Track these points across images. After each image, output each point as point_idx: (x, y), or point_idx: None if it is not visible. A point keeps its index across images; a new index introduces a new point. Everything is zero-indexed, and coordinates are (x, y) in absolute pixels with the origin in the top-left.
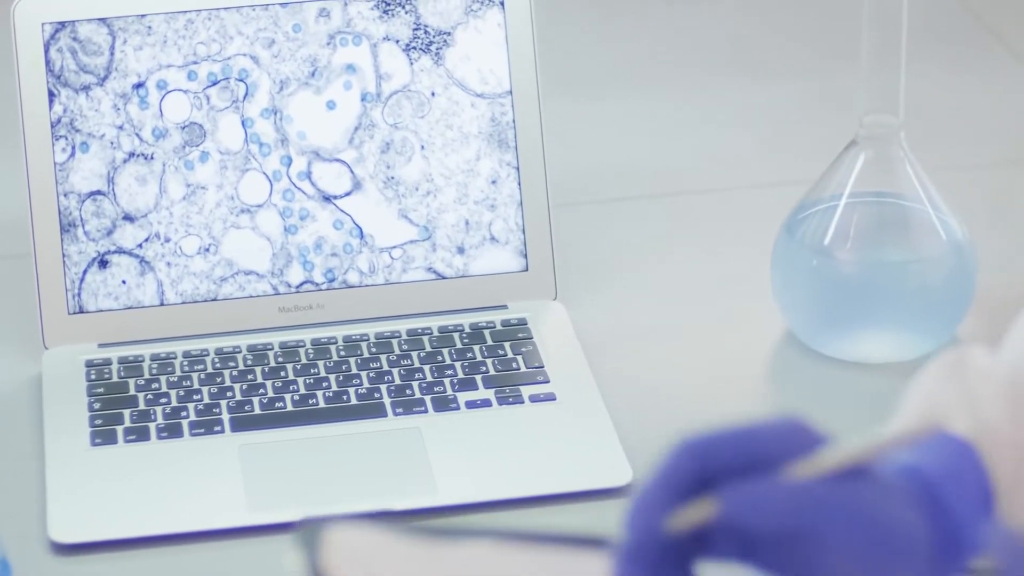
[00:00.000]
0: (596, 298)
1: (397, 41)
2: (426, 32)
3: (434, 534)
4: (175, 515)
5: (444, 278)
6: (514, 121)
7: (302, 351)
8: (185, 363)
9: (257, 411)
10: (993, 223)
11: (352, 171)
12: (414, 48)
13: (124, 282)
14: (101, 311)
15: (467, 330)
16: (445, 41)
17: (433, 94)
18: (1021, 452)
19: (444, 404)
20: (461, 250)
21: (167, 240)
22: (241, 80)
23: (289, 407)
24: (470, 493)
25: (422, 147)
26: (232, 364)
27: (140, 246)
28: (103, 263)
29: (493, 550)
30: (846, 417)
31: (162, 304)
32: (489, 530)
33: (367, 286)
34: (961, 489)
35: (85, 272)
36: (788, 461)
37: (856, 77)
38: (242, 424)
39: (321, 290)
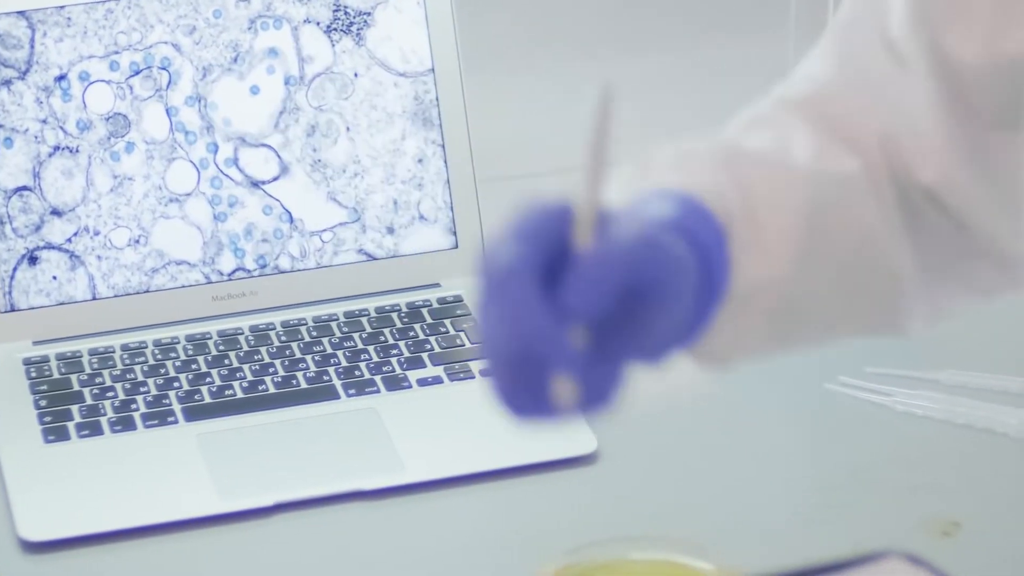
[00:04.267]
0: None
1: (318, 23)
2: (346, 13)
3: None
4: (145, 507)
5: (375, 259)
6: (437, 99)
7: (241, 338)
8: (125, 356)
9: (208, 400)
10: None
11: (279, 156)
12: (335, 29)
13: (55, 278)
14: (33, 308)
15: (404, 309)
16: (365, 21)
17: (356, 75)
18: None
19: (396, 383)
20: (391, 230)
21: (96, 233)
22: (164, 68)
23: (240, 394)
24: (439, 469)
25: (347, 129)
26: (173, 355)
27: (69, 240)
28: (33, 259)
29: None
30: (776, 376)
31: (95, 298)
32: None
33: (299, 271)
34: (705, 226)
35: (15, 269)
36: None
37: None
38: (196, 413)
39: (254, 277)
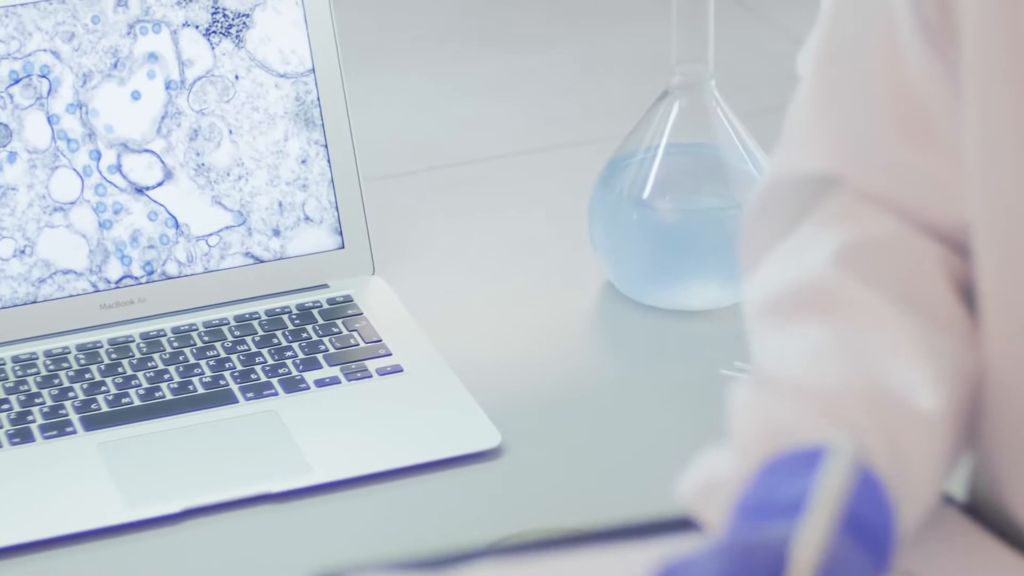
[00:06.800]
0: (414, 269)
1: (197, 26)
2: (225, 15)
3: (440, 565)
4: (51, 519)
5: (262, 262)
6: (319, 99)
7: (133, 346)
8: (16, 368)
9: (105, 408)
10: None
11: (162, 161)
12: (214, 32)
13: None
14: None
15: (295, 311)
16: (244, 23)
17: (237, 77)
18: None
19: (294, 385)
20: (277, 232)
21: None
22: (44, 76)
23: (137, 401)
24: (345, 469)
25: (230, 132)
26: (65, 365)
27: None
28: None
29: (501, 570)
30: (674, 364)
31: None
32: (488, 549)
33: (187, 276)
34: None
35: None
36: None
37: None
38: (94, 423)
39: (141, 284)
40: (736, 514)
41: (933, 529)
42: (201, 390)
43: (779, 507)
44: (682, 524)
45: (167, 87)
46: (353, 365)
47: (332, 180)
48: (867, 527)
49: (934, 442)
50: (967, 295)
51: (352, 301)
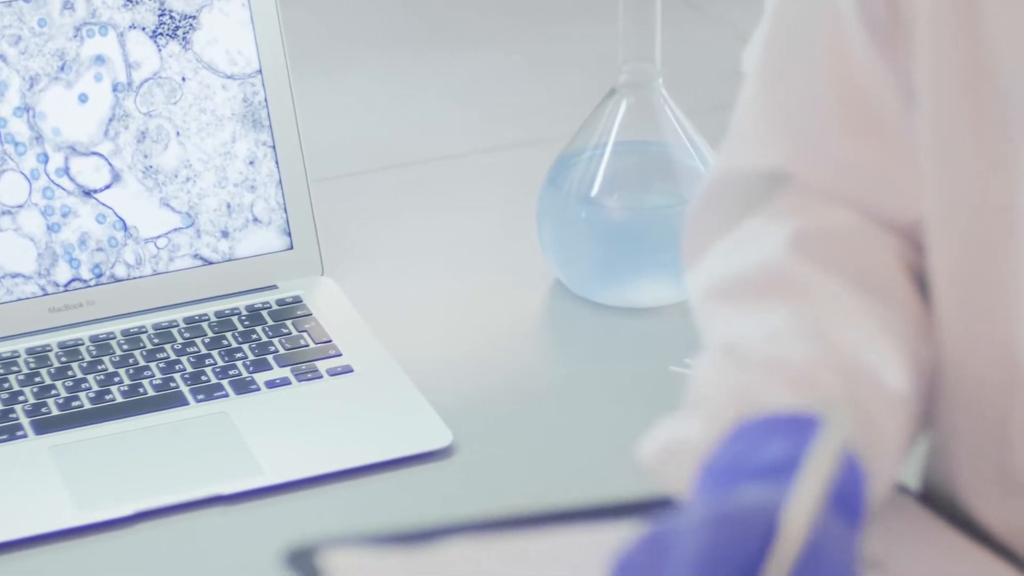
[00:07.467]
0: (364, 270)
1: (143, 28)
2: (171, 17)
3: (420, 539)
4: (2, 523)
5: (211, 263)
6: (266, 100)
7: (83, 349)
8: None
9: (55, 412)
10: None
11: (110, 163)
12: (161, 34)
13: None
14: None
15: (244, 313)
16: (191, 25)
17: (184, 79)
18: None
19: (244, 387)
20: (225, 234)
21: None
22: None
23: (87, 405)
24: (297, 470)
25: (178, 133)
26: (15, 368)
27: None
28: None
29: (476, 546)
30: (624, 361)
31: None
32: (469, 525)
33: (136, 278)
34: (855, 489)
35: None
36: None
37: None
38: (45, 426)
39: (90, 287)
40: (705, 476)
41: (888, 517)
42: (151, 392)
43: (752, 470)
44: (651, 505)
45: (114, 89)
46: (303, 366)
47: (280, 181)
48: (844, 499)
49: (901, 421)
50: (923, 286)
51: (302, 302)
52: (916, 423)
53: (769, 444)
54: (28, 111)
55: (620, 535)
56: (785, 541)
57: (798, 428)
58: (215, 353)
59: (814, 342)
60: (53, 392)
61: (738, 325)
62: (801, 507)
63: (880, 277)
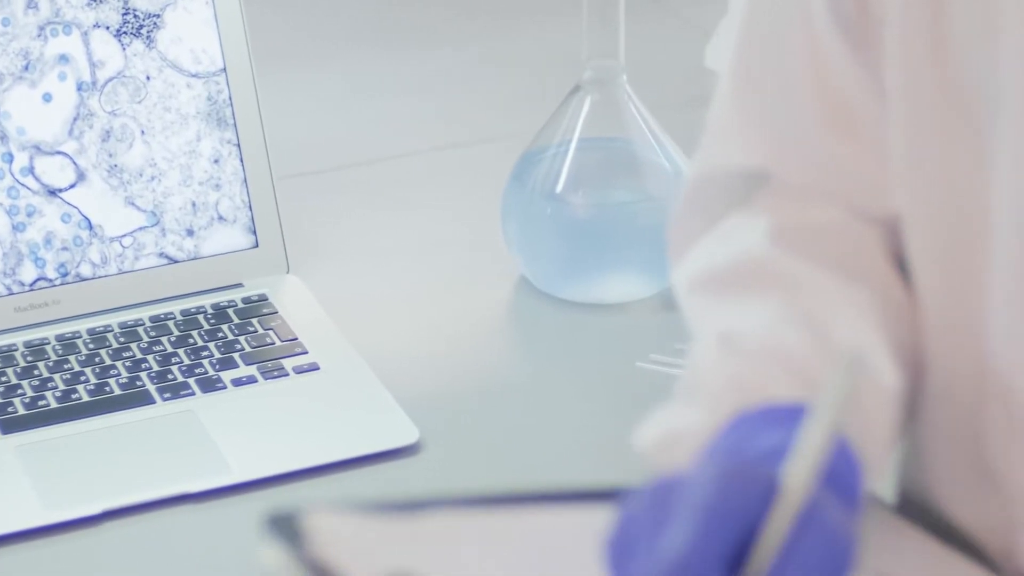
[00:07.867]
0: (329, 267)
1: (108, 27)
2: (135, 16)
3: (402, 509)
4: None
5: (176, 262)
6: (231, 98)
7: (49, 348)
8: None
9: (22, 411)
10: None
11: (75, 162)
12: (125, 33)
13: None
14: None
15: (210, 311)
16: (155, 23)
17: (148, 78)
18: None
19: (210, 385)
20: (191, 232)
21: None
22: None
23: (53, 404)
24: (265, 468)
25: (142, 132)
26: None
27: None
28: None
29: (458, 518)
30: (590, 357)
31: None
32: (453, 499)
33: (101, 277)
34: (851, 475)
35: None
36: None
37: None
38: (11, 426)
39: (56, 286)
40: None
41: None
42: (118, 391)
43: (754, 456)
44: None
45: (78, 88)
46: (269, 364)
47: (245, 179)
48: (840, 486)
49: (892, 412)
50: (907, 273)
51: (267, 300)
52: (904, 414)
53: (768, 433)
54: None
55: (602, 515)
56: (787, 496)
57: (797, 418)
58: (181, 352)
59: (807, 331)
60: (19, 391)
61: (730, 315)
62: (803, 461)
63: (863, 266)
